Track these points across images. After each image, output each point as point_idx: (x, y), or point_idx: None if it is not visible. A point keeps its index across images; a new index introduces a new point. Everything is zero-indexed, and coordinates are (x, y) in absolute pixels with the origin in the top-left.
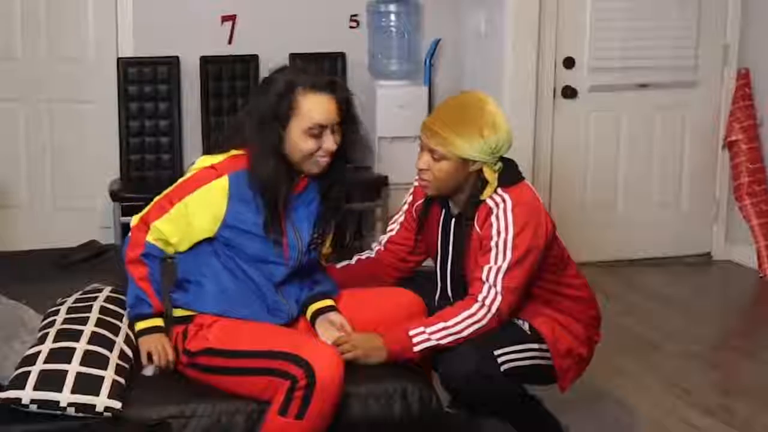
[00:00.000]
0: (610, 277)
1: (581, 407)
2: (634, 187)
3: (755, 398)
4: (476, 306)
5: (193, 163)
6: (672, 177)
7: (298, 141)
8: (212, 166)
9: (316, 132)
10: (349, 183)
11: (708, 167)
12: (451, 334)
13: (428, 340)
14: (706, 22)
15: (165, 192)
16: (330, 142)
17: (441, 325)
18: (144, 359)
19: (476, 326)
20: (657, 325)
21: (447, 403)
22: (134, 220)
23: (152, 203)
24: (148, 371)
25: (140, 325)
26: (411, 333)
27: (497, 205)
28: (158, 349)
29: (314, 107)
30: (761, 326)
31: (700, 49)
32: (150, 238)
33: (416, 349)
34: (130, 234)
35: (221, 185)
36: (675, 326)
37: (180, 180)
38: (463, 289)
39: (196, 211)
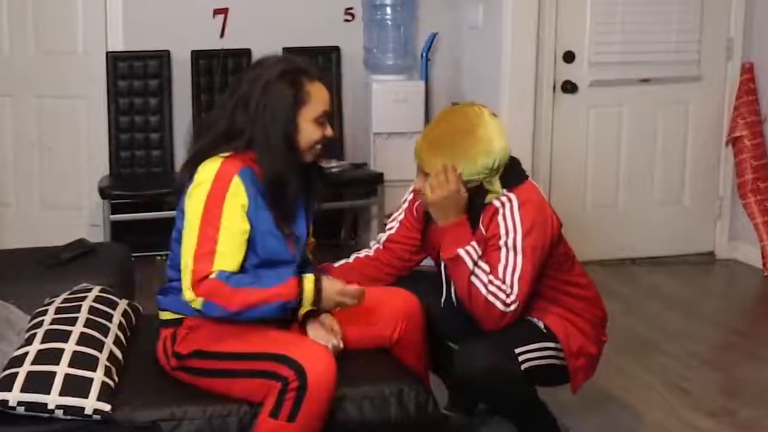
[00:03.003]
0: (611, 276)
1: (582, 409)
2: (635, 184)
3: (758, 400)
4: (504, 295)
5: (187, 187)
6: (674, 174)
7: (309, 131)
8: (221, 174)
9: (323, 120)
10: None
11: (711, 164)
12: (481, 282)
13: (469, 262)
14: (709, 14)
15: (196, 238)
16: (329, 130)
17: (487, 268)
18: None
19: (491, 298)
20: (659, 326)
21: (444, 405)
22: (189, 292)
23: (193, 259)
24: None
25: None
26: (469, 245)
27: (503, 204)
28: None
29: (321, 95)
30: (765, 326)
31: (703, 43)
32: (215, 274)
33: (459, 252)
34: (203, 302)
35: (237, 186)
36: (677, 326)
37: (197, 210)
38: None
39: (236, 222)
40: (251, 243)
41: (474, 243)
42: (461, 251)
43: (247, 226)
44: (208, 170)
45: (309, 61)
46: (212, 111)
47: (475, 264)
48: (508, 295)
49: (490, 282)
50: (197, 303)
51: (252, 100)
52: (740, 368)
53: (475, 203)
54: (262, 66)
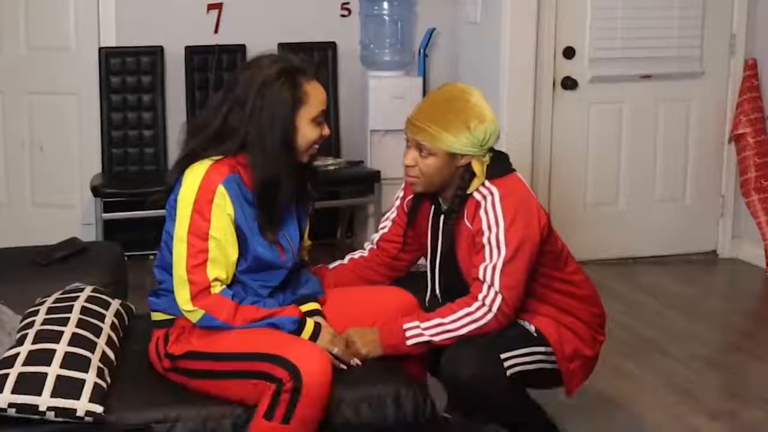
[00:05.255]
0: (612, 275)
1: (581, 410)
2: (636, 182)
3: (762, 401)
4: (476, 305)
5: (176, 188)
6: (676, 172)
7: (307, 131)
8: (205, 183)
9: (320, 120)
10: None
11: (714, 161)
12: (446, 332)
13: (421, 335)
14: (712, 10)
15: (186, 250)
16: (327, 129)
17: (437, 321)
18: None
19: (474, 325)
20: (660, 326)
21: (443, 407)
22: (189, 304)
23: (187, 272)
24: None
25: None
26: (405, 327)
27: (485, 198)
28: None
29: (319, 95)
30: None
31: (705, 39)
32: (216, 288)
33: (408, 343)
34: (204, 314)
35: (222, 194)
36: (679, 327)
37: (185, 222)
38: (452, 287)
39: (224, 233)
40: (242, 247)
41: (405, 324)
42: (409, 342)
43: (234, 232)
44: (194, 177)
45: (305, 58)
46: (205, 110)
47: (425, 331)
48: (483, 303)
49: (452, 322)
50: (196, 315)
51: (248, 102)
52: (743, 369)
53: (459, 194)
54: (257, 66)
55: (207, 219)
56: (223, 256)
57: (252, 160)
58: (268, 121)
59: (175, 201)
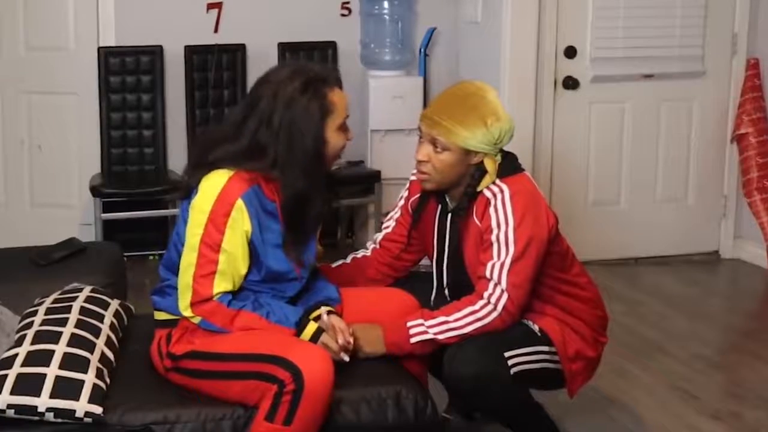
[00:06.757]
0: (614, 276)
1: (583, 411)
2: (638, 182)
3: (764, 401)
4: (481, 303)
5: (190, 195)
6: (678, 172)
7: (335, 140)
8: (224, 195)
9: (345, 126)
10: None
11: (716, 161)
12: (450, 329)
13: (425, 333)
14: (714, 9)
15: (196, 259)
16: (351, 133)
17: (441, 319)
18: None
19: (479, 324)
20: (662, 327)
21: (443, 408)
22: (188, 310)
23: (193, 280)
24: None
25: (305, 337)
26: (409, 324)
27: (495, 195)
28: (330, 345)
29: (342, 102)
30: None
31: (707, 38)
32: (216, 296)
33: (412, 341)
34: (202, 320)
35: (240, 209)
36: (681, 327)
37: (198, 230)
38: (460, 285)
39: (236, 247)
40: (255, 260)
41: (410, 322)
42: (413, 340)
43: (247, 247)
44: (211, 186)
45: (323, 66)
46: (221, 125)
47: (430, 329)
48: (489, 301)
49: (456, 320)
50: (195, 320)
51: (275, 117)
52: (745, 370)
53: (468, 191)
54: (278, 80)
55: (221, 231)
56: (232, 269)
57: (282, 177)
58: (298, 136)
59: (190, 210)
